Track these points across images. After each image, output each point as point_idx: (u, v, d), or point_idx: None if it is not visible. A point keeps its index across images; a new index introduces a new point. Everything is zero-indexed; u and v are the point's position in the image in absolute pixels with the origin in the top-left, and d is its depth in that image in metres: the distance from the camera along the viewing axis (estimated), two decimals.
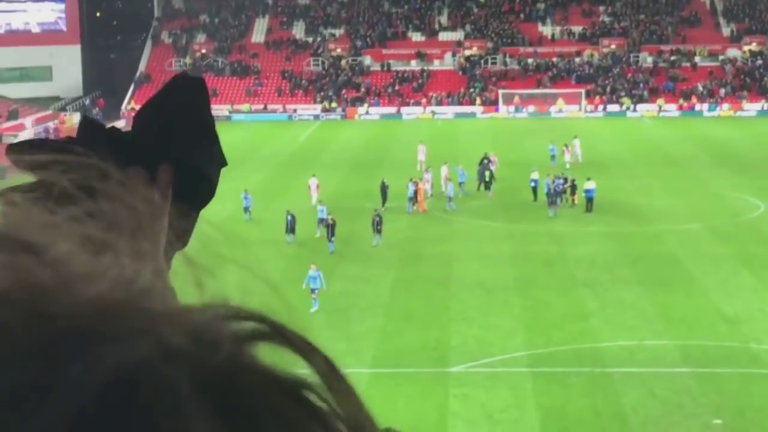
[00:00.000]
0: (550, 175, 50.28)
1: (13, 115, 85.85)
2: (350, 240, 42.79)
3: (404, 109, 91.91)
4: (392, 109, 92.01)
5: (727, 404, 25.98)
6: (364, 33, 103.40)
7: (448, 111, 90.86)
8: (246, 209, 47.16)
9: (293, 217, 42.78)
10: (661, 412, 25.64)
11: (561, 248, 42.03)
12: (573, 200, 49.51)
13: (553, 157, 60.15)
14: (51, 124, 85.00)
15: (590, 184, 49.05)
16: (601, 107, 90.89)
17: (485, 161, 54.97)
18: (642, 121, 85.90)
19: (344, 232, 43.07)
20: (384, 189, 49.07)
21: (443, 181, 51.84)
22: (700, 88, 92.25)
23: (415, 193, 48.96)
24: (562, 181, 49.77)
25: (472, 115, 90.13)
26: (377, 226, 42.48)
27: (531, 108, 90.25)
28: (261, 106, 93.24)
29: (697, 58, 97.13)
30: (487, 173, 53.14)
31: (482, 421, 25.45)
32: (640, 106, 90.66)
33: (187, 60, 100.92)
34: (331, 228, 41.41)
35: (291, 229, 42.77)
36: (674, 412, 25.32)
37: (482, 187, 52.79)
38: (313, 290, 33.91)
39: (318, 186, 50.69)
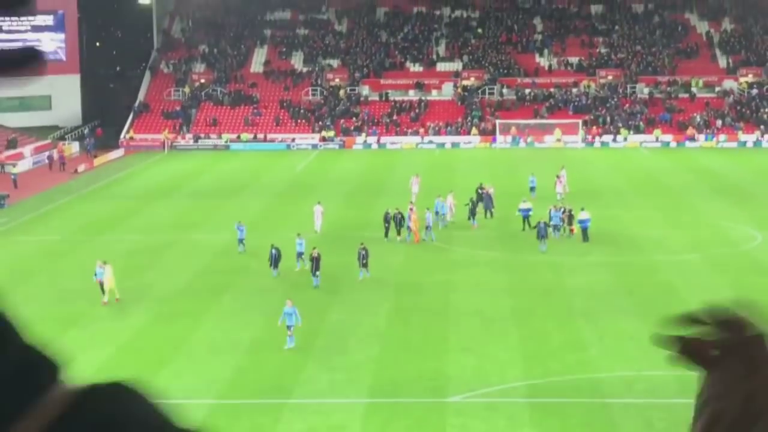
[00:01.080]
0: (556, 207, 50.39)
1: (12, 144, 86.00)
2: (348, 269, 42.78)
3: (402, 139, 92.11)
4: (390, 139, 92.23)
5: None
6: (362, 63, 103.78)
7: (446, 141, 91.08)
8: (240, 241, 46.86)
9: (278, 251, 42.15)
10: None
11: (559, 278, 42.05)
12: (571, 230, 49.60)
13: (532, 188, 59.43)
14: (51, 153, 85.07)
15: (584, 215, 49.11)
16: (598, 137, 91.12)
17: (480, 191, 55.26)
18: (639, 151, 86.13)
19: (342, 261, 43.11)
20: (388, 219, 49.12)
21: (449, 209, 52.76)
22: (698, 119, 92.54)
23: (408, 220, 49.10)
24: (560, 212, 49.89)
25: (469, 144, 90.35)
26: (363, 260, 41.76)
27: (528, 138, 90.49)
28: (260, 135, 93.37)
29: (693, 89, 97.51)
30: (479, 203, 53.38)
31: None
32: (637, 137, 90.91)
33: (186, 89, 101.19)
34: (316, 261, 40.67)
35: (275, 263, 42.05)
36: None
37: (471, 217, 52.56)
38: (288, 327, 33.25)
39: (322, 213, 51.03)
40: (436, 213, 51.34)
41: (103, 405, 1.15)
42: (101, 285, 38.67)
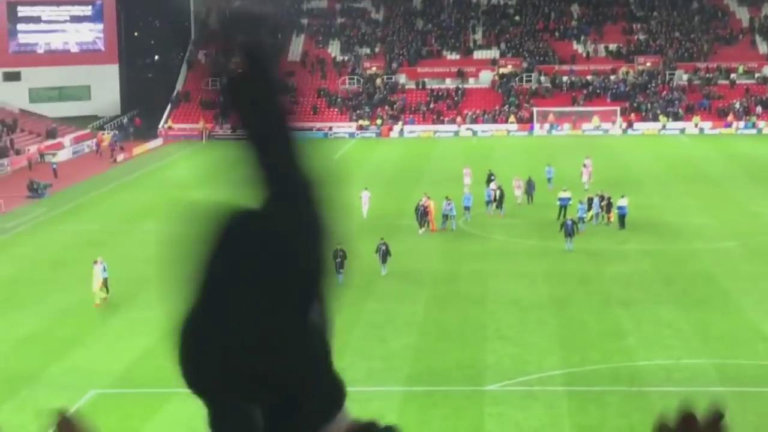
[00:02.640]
0: (595, 195, 50.19)
1: (51, 133, 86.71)
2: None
3: (439, 127, 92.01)
4: (427, 127, 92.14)
5: (766, 424, 25.76)
6: (399, 51, 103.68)
7: (483, 129, 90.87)
8: None
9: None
10: None
11: (596, 266, 41.89)
12: (608, 218, 49.35)
13: (549, 180, 58.40)
14: (93, 141, 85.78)
15: (623, 202, 48.94)
16: (636, 125, 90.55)
17: (491, 178, 55.59)
18: (678, 138, 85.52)
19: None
20: (421, 210, 49.11)
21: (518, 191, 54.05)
22: (737, 106, 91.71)
23: (425, 210, 48.90)
24: (599, 200, 49.73)
25: (507, 132, 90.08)
26: (384, 255, 40.98)
27: (566, 126, 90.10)
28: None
29: (733, 76, 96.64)
30: (496, 192, 53.09)
31: None
32: (676, 124, 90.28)
33: (224, 79, 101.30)
34: (341, 261, 38.32)
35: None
36: None
37: (494, 206, 52.60)
38: None
39: (369, 199, 51.30)
40: (467, 208, 50.83)
41: None
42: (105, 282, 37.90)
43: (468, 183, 57.36)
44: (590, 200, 50.00)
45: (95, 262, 37.86)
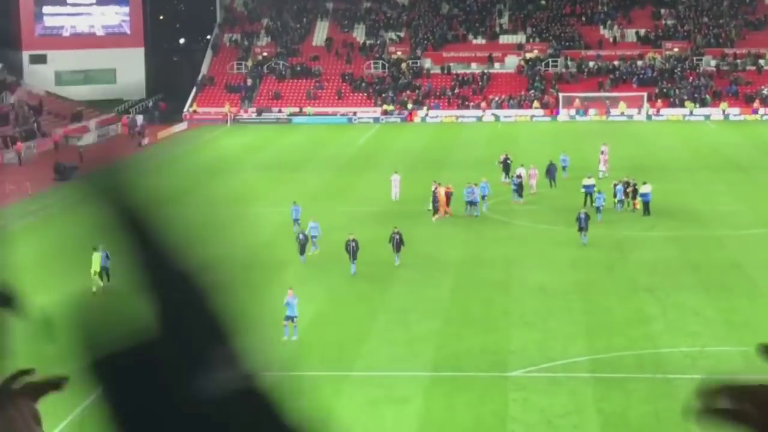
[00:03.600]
0: (619, 181, 49.92)
1: (76, 117, 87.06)
2: (410, 244, 42.80)
3: (464, 112, 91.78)
4: (452, 112, 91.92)
5: None
6: (424, 36, 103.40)
7: (507, 114, 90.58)
8: (295, 221, 45.48)
9: (305, 236, 40.81)
10: None
11: (622, 253, 41.72)
12: (634, 205, 49.10)
13: (564, 168, 57.49)
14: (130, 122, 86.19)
15: (646, 188, 48.70)
16: (662, 111, 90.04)
17: (506, 161, 55.61)
18: (705, 125, 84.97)
19: (405, 235, 43.16)
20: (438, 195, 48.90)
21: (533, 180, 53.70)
22: (765, 92, 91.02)
23: (436, 197, 48.53)
24: (624, 186, 49.50)
25: (531, 118, 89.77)
26: (397, 245, 40.08)
27: (592, 111, 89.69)
28: (322, 109, 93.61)
29: (761, 62, 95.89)
30: (519, 179, 52.80)
31: (541, 427, 25.31)
32: (704, 110, 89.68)
33: (249, 63, 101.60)
34: (353, 251, 38.79)
35: (302, 249, 40.38)
36: None
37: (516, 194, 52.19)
38: (289, 318, 31.01)
39: (399, 182, 51.44)
40: (483, 197, 49.90)
41: None
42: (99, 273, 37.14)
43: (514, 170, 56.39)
44: (615, 186, 49.73)
45: (95, 249, 37.35)
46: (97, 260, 36.68)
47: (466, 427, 25.06)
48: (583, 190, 50.12)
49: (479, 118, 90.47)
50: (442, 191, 48.72)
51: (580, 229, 42.97)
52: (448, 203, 48.57)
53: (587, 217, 43.39)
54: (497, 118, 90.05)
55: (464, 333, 32.03)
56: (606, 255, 41.33)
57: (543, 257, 40.83)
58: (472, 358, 29.78)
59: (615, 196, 49.41)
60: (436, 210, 48.31)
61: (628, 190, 49.47)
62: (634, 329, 32.04)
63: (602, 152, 59.69)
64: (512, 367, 29.07)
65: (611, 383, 27.86)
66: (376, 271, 38.93)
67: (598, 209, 46.99)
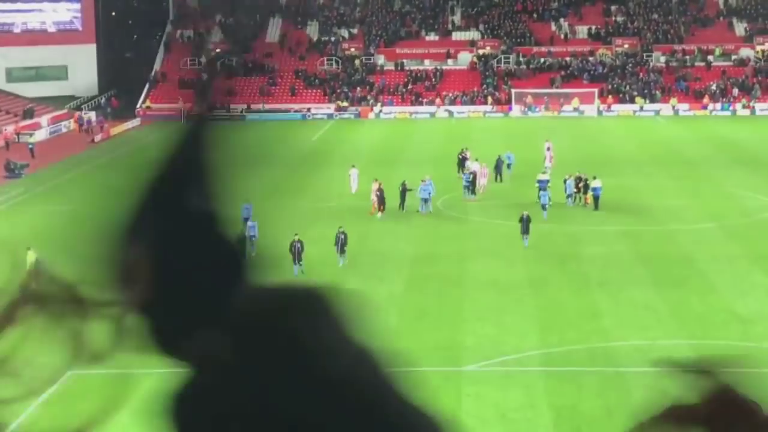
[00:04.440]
0: (571, 176, 50.33)
1: (28, 113, 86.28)
2: (364, 240, 42.96)
3: (417, 109, 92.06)
4: (405, 108, 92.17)
5: None
6: (377, 33, 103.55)
7: (460, 110, 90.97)
8: (245, 220, 45.16)
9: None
10: None
11: (574, 247, 42.12)
12: (585, 200, 49.60)
13: (509, 166, 57.00)
14: (66, 123, 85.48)
15: (596, 183, 49.25)
16: (613, 106, 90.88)
17: (461, 156, 55.91)
18: (655, 120, 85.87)
19: (359, 231, 43.26)
20: (404, 191, 48.98)
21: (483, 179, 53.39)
22: (714, 88, 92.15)
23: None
24: (574, 181, 49.96)
25: (484, 114, 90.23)
26: (342, 246, 39.42)
27: (543, 107, 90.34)
28: (275, 106, 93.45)
29: (710, 58, 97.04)
30: (472, 177, 52.73)
31: (495, 421, 25.55)
32: (653, 106, 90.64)
33: (202, 59, 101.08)
34: (298, 252, 37.76)
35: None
36: None
37: (467, 191, 52.20)
38: None
39: (358, 176, 51.51)
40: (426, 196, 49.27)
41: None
42: None
43: (468, 166, 56.55)
44: (565, 181, 50.14)
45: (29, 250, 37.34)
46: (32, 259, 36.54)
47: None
48: (537, 185, 50.44)
49: (433, 115, 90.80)
50: (374, 188, 48.69)
51: (524, 232, 42.26)
52: (382, 202, 48.23)
53: (529, 219, 42.35)
54: (451, 114, 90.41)
55: (418, 328, 32.18)
56: (558, 250, 41.70)
57: (496, 252, 41.13)
58: (426, 354, 29.93)
59: (566, 191, 49.85)
60: (381, 207, 48.21)
61: (579, 185, 49.93)
62: (586, 323, 32.40)
63: (547, 148, 60.08)
64: (466, 362, 29.29)
65: (564, 377, 28.16)
66: (330, 266, 38.99)
67: (543, 207, 47.01)
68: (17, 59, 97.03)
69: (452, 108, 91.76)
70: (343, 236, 39.58)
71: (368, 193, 50.44)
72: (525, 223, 42.15)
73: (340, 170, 56.76)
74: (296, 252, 37.92)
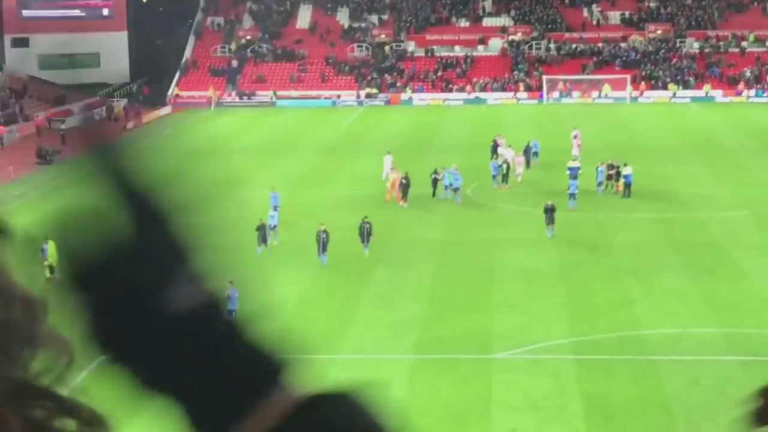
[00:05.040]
0: (602, 163, 50.01)
1: (60, 100, 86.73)
2: (393, 227, 42.93)
3: (448, 95, 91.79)
4: (436, 95, 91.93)
5: None
6: (408, 19, 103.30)
7: (492, 97, 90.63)
8: (274, 208, 43.60)
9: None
10: (705, 400, 25.52)
11: (605, 235, 41.91)
12: (617, 187, 49.30)
13: (536, 154, 55.87)
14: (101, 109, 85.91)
15: (627, 170, 48.92)
16: (646, 93, 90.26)
17: (495, 144, 55.80)
18: (688, 107, 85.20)
19: (387, 219, 43.23)
20: (435, 179, 48.78)
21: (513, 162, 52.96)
22: (748, 74, 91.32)
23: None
24: (605, 168, 49.67)
25: (516, 101, 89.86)
26: (366, 236, 39.13)
27: (575, 94, 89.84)
28: (305, 92, 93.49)
29: (744, 44, 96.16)
30: (504, 165, 52.04)
31: (525, 408, 25.48)
32: (686, 92, 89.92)
33: (232, 46, 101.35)
34: (324, 243, 37.78)
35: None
36: (719, 401, 25.17)
37: (501, 179, 51.67)
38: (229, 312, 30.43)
39: (392, 162, 51.40)
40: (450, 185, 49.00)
41: (327, 414, 1.12)
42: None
43: (501, 153, 56.01)
44: (597, 168, 49.81)
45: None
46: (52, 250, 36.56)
47: (450, 410, 25.21)
48: (567, 172, 50.10)
49: (463, 101, 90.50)
50: (392, 176, 48.46)
51: (548, 222, 41.60)
52: (405, 191, 47.89)
53: (554, 208, 41.67)
54: (481, 101, 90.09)
55: (448, 316, 32.17)
56: (589, 237, 41.51)
57: (526, 240, 40.95)
58: (456, 341, 29.93)
59: (597, 178, 49.57)
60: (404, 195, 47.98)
61: (611, 172, 49.64)
62: (617, 311, 32.24)
63: (574, 136, 59.65)
64: (496, 350, 29.22)
65: (594, 365, 28.04)
66: (359, 255, 38.97)
67: (571, 196, 46.52)
68: (50, 46, 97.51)
69: (483, 95, 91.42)
70: (367, 226, 39.32)
71: (411, 179, 50.10)
72: (549, 213, 41.61)
73: (369, 157, 56.69)
74: (322, 242, 37.81)
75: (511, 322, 31.44)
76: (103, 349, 1.12)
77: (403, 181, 47.91)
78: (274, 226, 40.62)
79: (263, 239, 38.65)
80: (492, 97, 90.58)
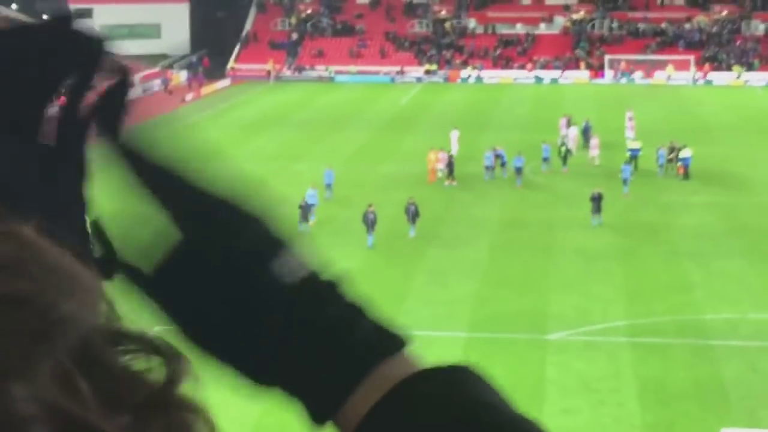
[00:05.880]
0: (663, 145, 49.34)
1: None
2: (451, 204, 42.73)
3: (508, 73, 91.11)
4: (495, 73, 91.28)
5: None
6: None
7: (552, 76, 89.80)
8: (328, 186, 44.16)
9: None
10: (762, 386, 25.16)
11: (665, 217, 41.37)
12: (678, 170, 48.63)
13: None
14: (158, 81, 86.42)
15: (686, 152, 48.24)
16: (709, 75, 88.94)
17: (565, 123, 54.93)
18: (753, 89, 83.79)
19: (442, 197, 43.02)
20: (494, 157, 48.36)
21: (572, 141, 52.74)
22: None
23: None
24: (666, 151, 49.03)
25: (577, 80, 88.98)
26: (413, 216, 38.63)
27: (637, 74, 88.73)
28: (364, 68, 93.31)
29: None
30: (563, 148, 51.05)
31: (579, 390, 25.26)
32: (751, 74, 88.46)
33: (293, 20, 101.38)
34: (371, 223, 37.42)
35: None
36: None
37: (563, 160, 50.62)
38: None
39: (458, 138, 51.22)
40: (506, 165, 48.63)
41: (442, 387, 1.07)
42: None
43: (565, 134, 55.29)
44: (658, 150, 49.15)
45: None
46: None
47: (504, 389, 25.00)
48: (629, 153, 49.51)
49: (523, 79, 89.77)
50: (433, 157, 48.20)
51: (595, 211, 40.30)
52: (451, 170, 47.61)
53: (601, 197, 40.41)
54: (541, 79, 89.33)
55: (503, 295, 31.98)
56: (648, 219, 41.00)
57: (584, 221, 40.51)
58: (511, 320, 29.74)
59: (657, 160, 48.92)
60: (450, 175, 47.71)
61: (671, 155, 48.98)
62: (675, 295, 31.83)
63: (629, 118, 58.84)
64: (551, 330, 29.00)
65: (650, 348, 27.73)
66: (417, 231, 38.80)
67: (625, 181, 45.75)
68: (111, 17, 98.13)
69: (543, 73, 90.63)
70: (413, 207, 38.85)
71: (469, 157, 49.82)
72: (596, 201, 40.34)
73: (427, 134, 56.44)
74: (369, 222, 37.53)
75: (567, 303, 31.17)
76: (209, 344, 1.07)
77: (447, 160, 47.61)
78: (312, 205, 40.28)
79: (304, 217, 38.37)
80: (552, 76, 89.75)
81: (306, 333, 1.08)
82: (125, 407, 0.67)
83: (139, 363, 0.71)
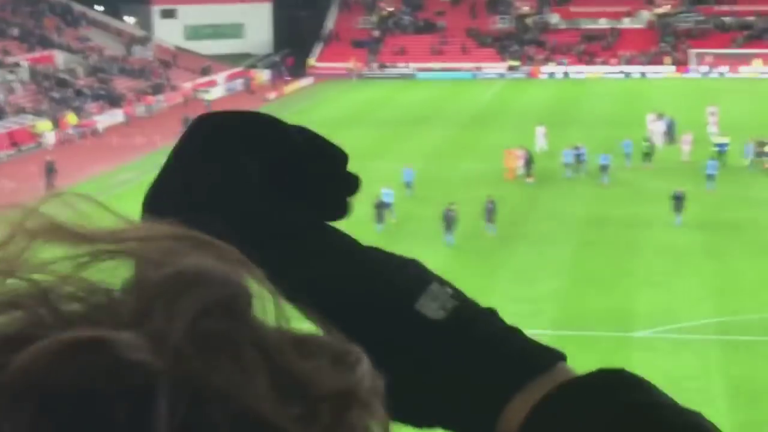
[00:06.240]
0: (752, 140, 48.55)
1: (205, 71, 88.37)
2: (536, 201, 42.51)
3: (591, 68, 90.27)
4: (580, 68, 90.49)
5: None
6: None
7: (637, 71, 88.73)
8: (407, 184, 44.12)
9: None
10: None
11: (754, 213, 40.64)
12: (765, 165, 47.77)
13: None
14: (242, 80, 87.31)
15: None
16: None
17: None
18: None
19: (526, 194, 42.82)
20: (577, 155, 47.97)
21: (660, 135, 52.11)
22: None
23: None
24: (755, 145, 48.24)
25: (662, 75, 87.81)
26: (491, 214, 38.28)
27: (724, 68, 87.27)
28: (446, 65, 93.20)
29: None
30: (646, 144, 50.16)
31: (666, 389, 24.00)
32: None
33: (374, 18, 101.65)
34: (450, 222, 37.18)
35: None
36: None
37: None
38: None
39: (545, 134, 51.25)
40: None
41: (612, 385, 1.04)
42: None
43: (660, 131, 54.39)
44: (746, 145, 48.36)
45: None
46: None
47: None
48: (716, 148, 48.75)
49: (607, 75, 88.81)
50: (509, 154, 47.86)
51: (676, 209, 39.30)
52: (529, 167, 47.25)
53: (683, 196, 39.39)
54: (626, 74, 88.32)
55: (589, 292, 31.74)
56: (736, 216, 40.33)
57: (669, 218, 39.97)
58: (596, 318, 29.51)
59: (745, 155, 48.11)
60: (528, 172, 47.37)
61: (759, 150, 48.15)
62: (764, 292, 31.28)
63: (711, 113, 57.78)
64: (637, 328, 28.72)
65: (740, 347, 27.32)
66: (499, 228, 38.67)
67: (709, 177, 44.84)
68: (196, 17, 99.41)
69: (628, 68, 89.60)
70: (491, 205, 38.49)
71: (550, 154, 49.52)
72: (678, 200, 39.34)
73: (510, 131, 56.17)
74: (449, 221, 37.29)
75: (653, 301, 30.83)
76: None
77: (525, 158, 47.29)
78: (389, 204, 40.06)
79: (380, 217, 38.14)
80: (637, 71, 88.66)
81: (462, 351, 1.08)
82: (299, 400, 0.65)
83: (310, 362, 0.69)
